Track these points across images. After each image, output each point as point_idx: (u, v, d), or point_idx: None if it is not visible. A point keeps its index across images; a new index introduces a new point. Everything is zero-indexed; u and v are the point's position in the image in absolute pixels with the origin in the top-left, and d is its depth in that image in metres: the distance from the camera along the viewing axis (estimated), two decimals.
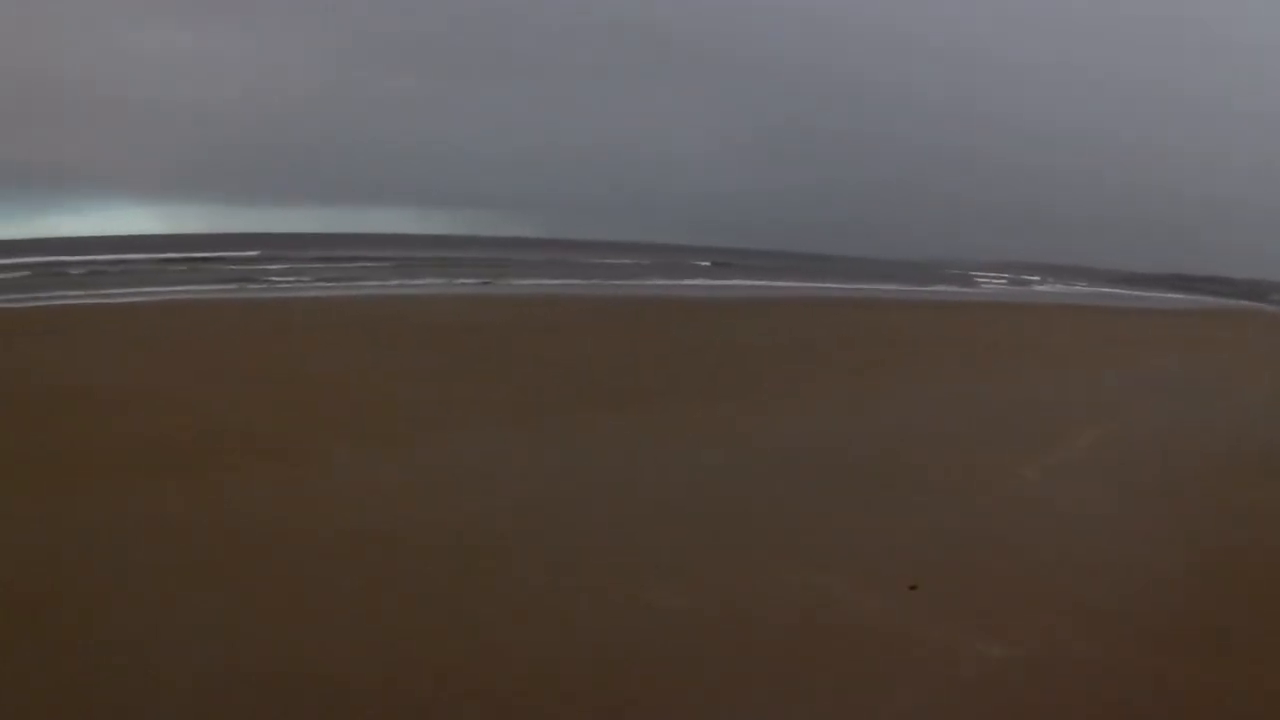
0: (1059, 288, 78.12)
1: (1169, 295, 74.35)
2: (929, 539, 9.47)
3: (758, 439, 13.72)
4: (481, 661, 6.58)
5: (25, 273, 42.34)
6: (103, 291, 33.76)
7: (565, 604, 7.54)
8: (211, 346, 20.52)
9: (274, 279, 43.04)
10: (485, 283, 45.33)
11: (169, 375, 16.55)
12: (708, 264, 74.84)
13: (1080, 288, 79.87)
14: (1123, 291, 77.68)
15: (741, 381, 18.99)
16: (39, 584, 7.59)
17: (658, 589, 7.81)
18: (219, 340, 21.78)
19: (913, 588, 7.96)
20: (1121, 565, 9.07)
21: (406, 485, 10.70)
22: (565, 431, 13.68)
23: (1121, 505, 11.34)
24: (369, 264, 56.58)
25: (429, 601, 7.52)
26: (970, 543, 9.52)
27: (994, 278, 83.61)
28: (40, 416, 13.28)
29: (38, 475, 10.43)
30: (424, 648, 6.72)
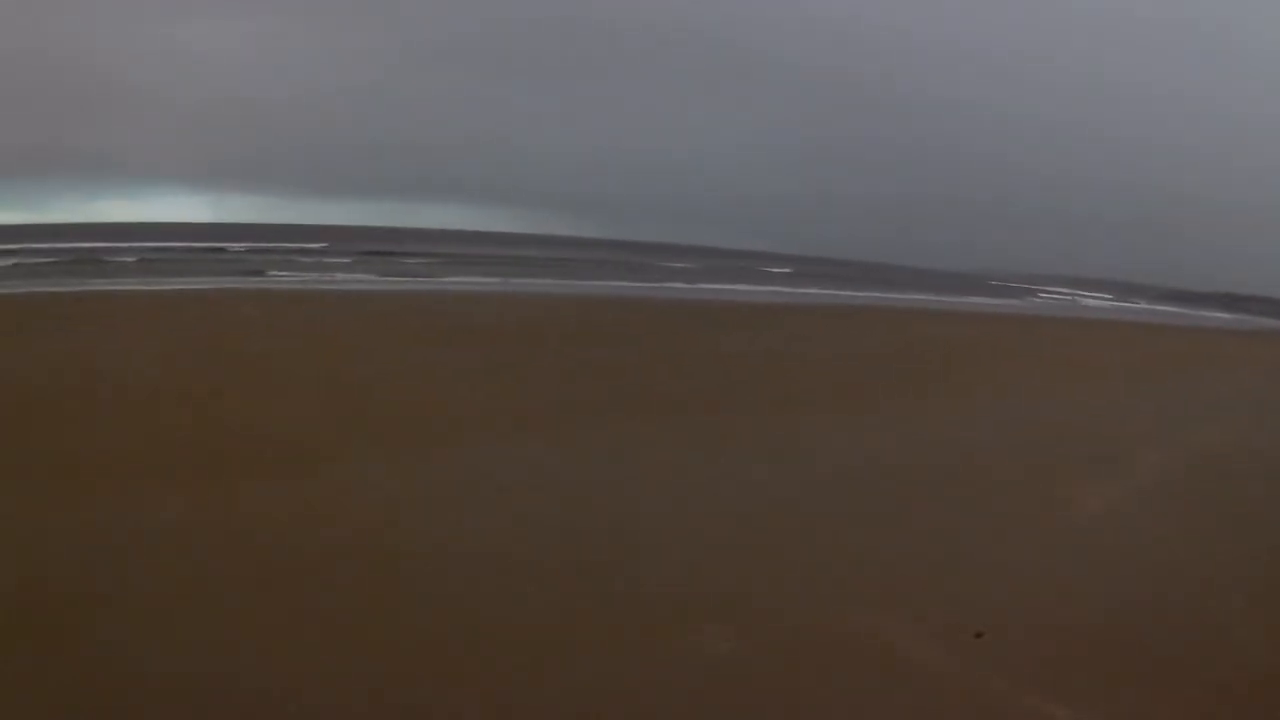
0: (1108, 302, 76.91)
1: (1218, 314, 72.99)
2: (991, 578, 9.07)
3: (808, 456, 13.36)
4: (505, 695, 6.30)
5: (66, 258, 42.56)
6: (142, 281, 33.88)
7: (597, 639, 7.22)
8: (243, 343, 20.23)
9: (316, 272, 43.09)
10: (530, 282, 45.18)
11: (198, 372, 16.30)
12: (781, 270, 74.27)
13: (1129, 303, 78.61)
14: (1172, 309, 76.40)
15: (790, 393, 18.50)
16: (56, 586, 7.43)
17: (700, 628, 7.44)
18: (251, 336, 21.53)
19: (979, 635, 7.52)
20: (1193, 614, 8.62)
21: (426, 498, 10.40)
22: (604, 443, 13.33)
23: (1188, 543, 10.84)
24: (418, 259, 56.56)
25: (450, 631, 7.21)
26: (1035, 584, 9.09)
27: (1043, 291, 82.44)
28: (66, 411, 13.11)
29: (56, 475, 10.27)
30: (444, 678, 6.44)
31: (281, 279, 38.47)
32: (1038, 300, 70.68)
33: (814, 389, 19.13)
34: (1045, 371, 25.19)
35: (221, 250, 51.95)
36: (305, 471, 10.99)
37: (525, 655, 6.88)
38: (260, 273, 41.08)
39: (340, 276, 41.82)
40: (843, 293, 56.16)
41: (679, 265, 71.02)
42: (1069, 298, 79.05)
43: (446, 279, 43.34)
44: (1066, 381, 23.52)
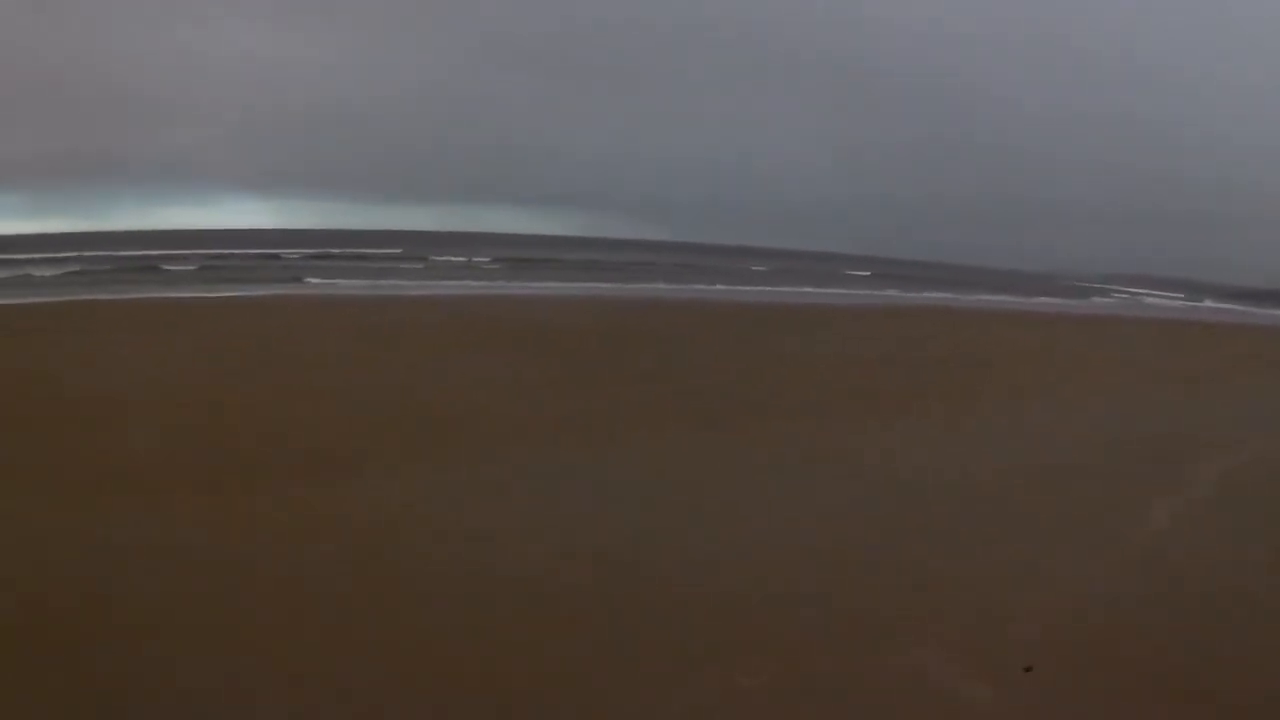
0: (1172, 301, 75.26)
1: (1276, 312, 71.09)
2: (1043, 604, 8.65)
3: (869, 466, 13.09)
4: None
5: (127, 265, 43.12)
6: (200, 288, 34.17)
7: (641, 673, 6.97)
8: (298, 350, 20.31)
9: (374, 278, 43.24)
10: (591, 286, 45.04)
11: (249, 377, 16.43)
12: (842, 270, 73.53)
13: (1194, 302, 76.83)
14: (1238, 307, 74.58)
15: (845, 398, 18.16)
16: (75, 592, 7.41)
17: (743, 664, 7.14)
18: (306, 342, 21.62)
19: (1028, 669, 7.19)
20: (1259, 652, 8.11)
21: (467, 511, 10.26)
22: (657, 453, 13.09)
23: (1255, 569, 10.26)
24: (476, 264, 56.72)
25: (481, 655, 7.02)
26: (1093, 612, 8.64)
27: (1105, 290, 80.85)
28: (124, 414, 13.31)
29: (100, 480, 10.34)
30: (469, 694, 6.28)
31: (338, 285, 38.61)
32: (1100, 300, 69.33)
33: (869, 395, 18.75)
34: (1107, 375, 24.49)
35: (278, 257, 52.39)
36: (354, 475, 11.02)
37: (555, 680, 6.69)
38: (316, 279, 41.30)
39: (397, 282, 41.91)
40: (899, 293, 55.44)
41: (738, 267, 70.60)
42: (1132, 296, 77.54)
43: (505, 283, 43.31)
44: (1129, 386, 22.84)
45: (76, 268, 41.15)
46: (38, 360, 17.42)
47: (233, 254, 52.67)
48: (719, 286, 50.16)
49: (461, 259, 57.84)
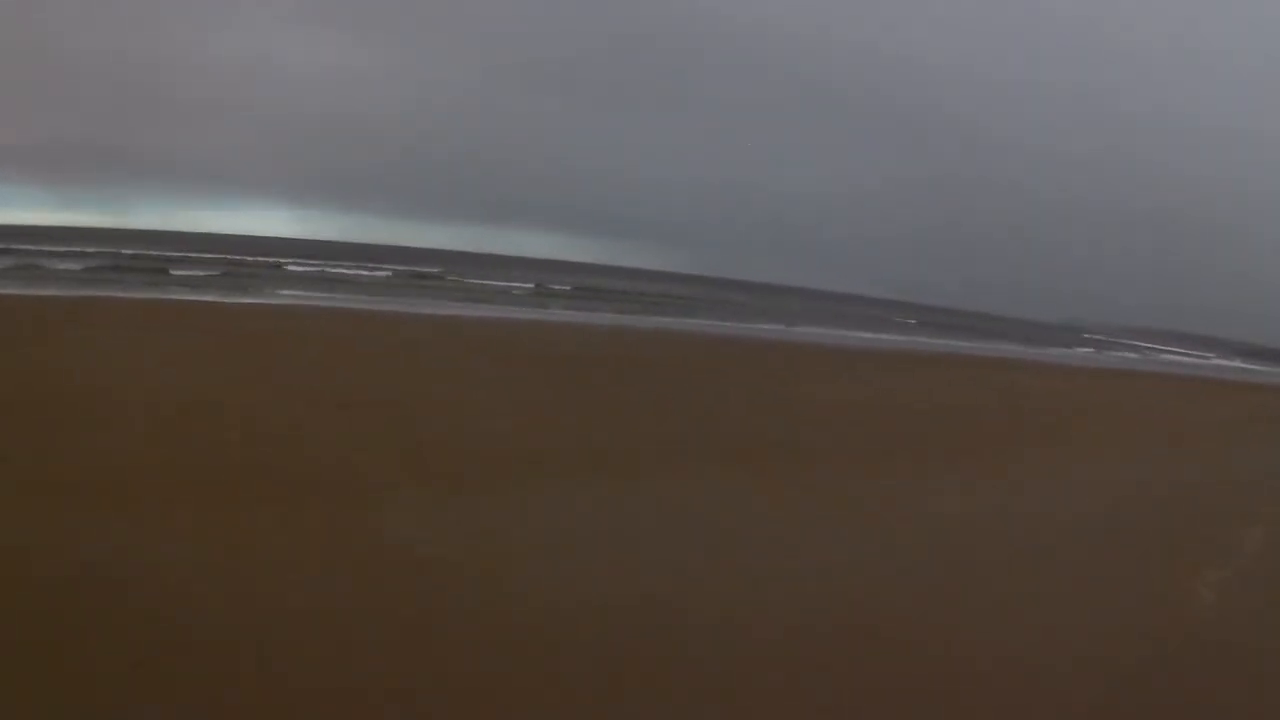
0: (1186, 358, 74.38)
1: None
2: (1079, 676, 7.80)
3: (897, 516, 12.21)
4: None
5: (141, 265, 42.71)
6: (212, 293, 33.77)
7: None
8: (298, 363, 19.65)
9: (387, 293, 42.79)
10: (619, 314, 44.53)
11: (257, 392, 15.68)
12: (877, 315, 72.81)
13: (1206, 358, 75.93)
14: (1251, 366, 73.68)
15: (882, 445, 17.28)
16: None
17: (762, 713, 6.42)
18: (307, 355, 20.95)
19: None
20: None
21: (472, 542, 9.47)
22: (683, 492, 12.20)
23: None
24: (491, 285, 56.16)
25: (490, 690, 6.35)
26: (1129, 686, 7.79)
27: (1123, 344, 79.91)
28: (110, 417, 12.56)
29: (75, 488, 9.59)
30: None
31: (349, 300, 38.21)
32: (1111, 353, 68.42)
33: (895, 446, 17.50)
34: (1133, 432, 23.70)
35: (289, 266, 51.98)
36: (354, 497, 10.23)
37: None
38: (328, 291, 40.92)
39: (410, 300, 41.47)
40: (928, 340, 54.75)
41: (769, 304, 69.98)
42: (1152, 352, 76.67)
43: (524, 309, 42.74)
44: (1156, 444, 22.07)
45: (84, 264, 40.82)
46: (36, 355, 16.84)
47: (243, 260, 52.41)
48: (746, 324, 49.56)
49: (478, 281, 57.21)
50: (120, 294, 30.69)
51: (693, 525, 10.87)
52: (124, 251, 47.07)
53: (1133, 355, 69.29)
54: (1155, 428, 25.10)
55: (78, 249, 45.75)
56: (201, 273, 42.43)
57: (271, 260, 53.68)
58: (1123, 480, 16.65)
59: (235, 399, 14.77)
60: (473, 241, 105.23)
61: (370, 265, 58.26)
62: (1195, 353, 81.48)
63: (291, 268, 50.83)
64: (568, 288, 60.73)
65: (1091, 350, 67.30)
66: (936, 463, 16.03)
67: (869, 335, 54.13)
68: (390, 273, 55.60)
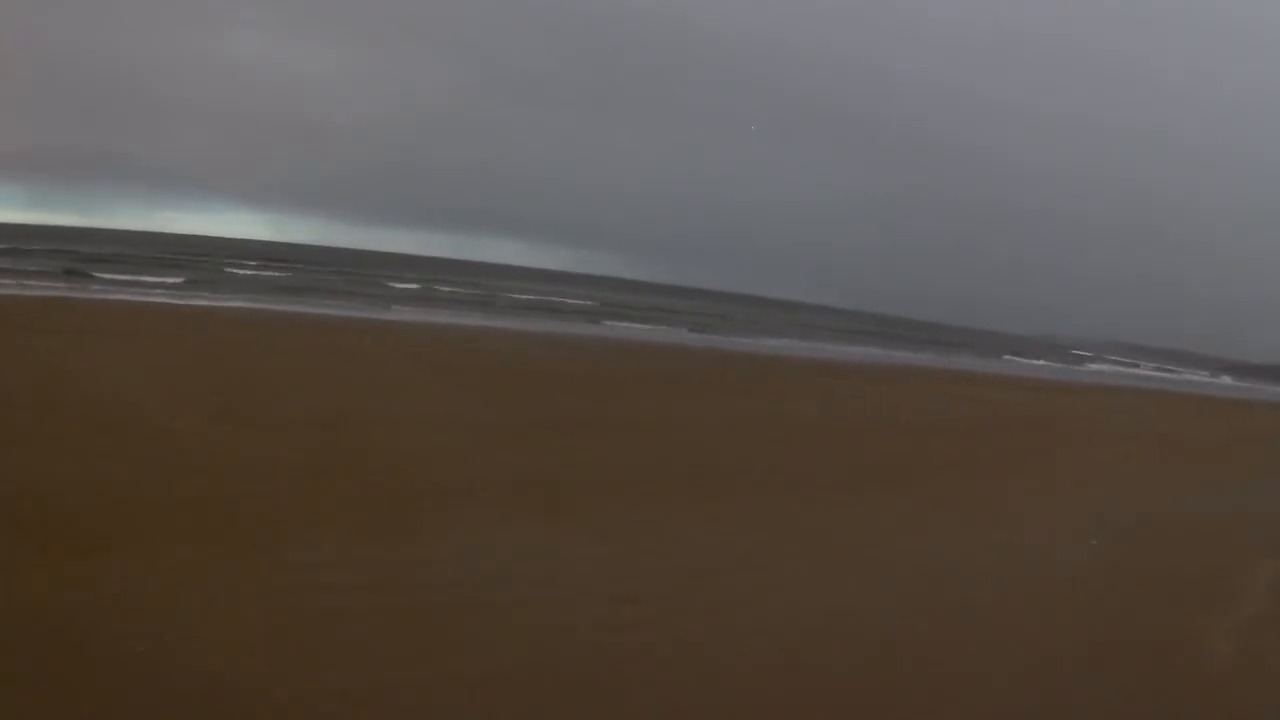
0: (1173, 374, 73.65)
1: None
2: None
3: (881, 547, 11.06)
4: None
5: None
6: (186, 295, 32.52)
7: None
8: (269, 370, 18.43)
9: (361, 300, 41.57)
10: (581, 324, 43.46)
11: (173, 405, 14.29)
12: (832, 325, 71.76)
13: (1185, 374, 75.21)
14: (1240, 384, 73.10)
15: (861, 468, 15.93)
16: None
17: None
18: (278, 362, 19.69)
19: None
20: None
21: (408, 576, 8.28)
22: (644, 525, 10.93)
23: None
24: (467, 292, 54.90)
25: None
26: None
27: (1107, 359, 79.11)
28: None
29: None
30: None
31: (328, 305, 37.12)
32: (1105, 370, 67.59)
33: (877, 471, 16.02)
34: (1126, 452, 22.42)
35: (270, 270, 50.66)
36: (260, 543, 8.84)
37: None
38: (309, 297, 39.82)
39: (389, 307, 40.38)
40: (900, 354, 53.74)
41: (740, 316, 68.93)
42: (1136, 368, 75.97)
43: (493, 319, 41.35)
44: (1151, 466, 20.82)
45: (39, 265, 39.43)
46: None
47: (212, 260, 51.15)
48: (717, 336, 48.37)
49: (449, 289, 55.71)
50: (85, 295, 29.69)
51: (653, 563, 9.66)
52: (92, 251, 45.96)
53: (1116, 370, 68.53)
54: (1152, 450, 23.89)
55: (38, 248, 44.52)
56: (178, 280, 40.90)
57: (211, 260, 52.32)
58: (1123, 510, 15.30)
59: (153, 412, 13.46)
60: (434, 247, 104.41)
61: (315, 268, 56.97)
62: (1181, 369, 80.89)
63: (230, 269, 49.19)
64: (529, 296, 59.36)
65: (1077, 366, 66.47)
66: (921, 490, 14.74)
67: (847, 349, 53.07)
68: (339, 276, 54.08)
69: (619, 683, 6.96)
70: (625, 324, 48.22)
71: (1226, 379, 75.81)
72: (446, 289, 55.07)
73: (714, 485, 13.30)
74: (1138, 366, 75.26)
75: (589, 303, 60.56)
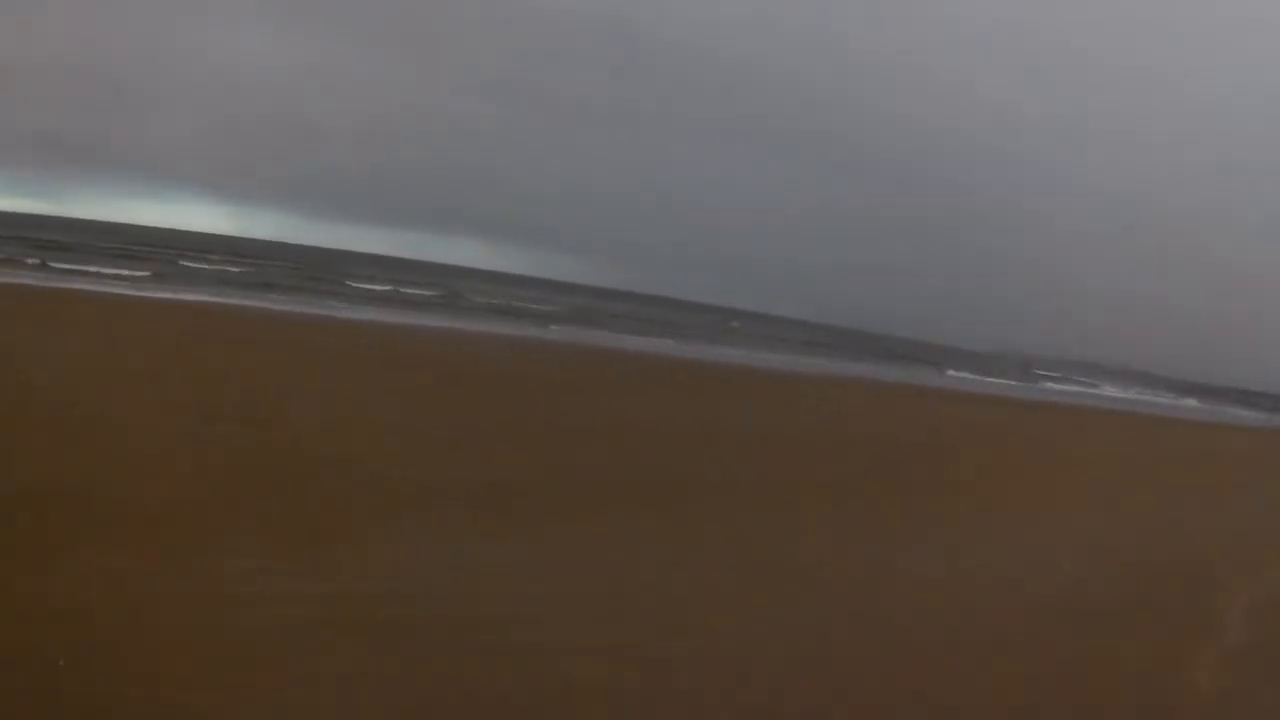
0: (1139, 396, 74.06)
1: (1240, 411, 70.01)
2: None
3: (856, 583, 10.44)
4: None
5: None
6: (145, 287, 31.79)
7: None
8: (226, 364, 17.80)
9: (323, 297, 40.86)
10: (539, 328, 43.01)
11: (115, 398, 13.70)
12: (802, 338, 71.47)
13: (1150, 396, 75.65)
14: (1206, 405, 73.61)
15: (829, 488, 15.32)
16: None
17: None
18: (235, 357, 19.03)
19: None
20: None
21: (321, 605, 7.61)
22: (598, 540, 10.46)
23: None
24: (430, 294, 54.15)
25: None
26: None
27: (1075, 380, 79.44)
28: None
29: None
30: None
31: (289, 302, 36.41)
32: (1060, 389, 67.70)
33: (848, 488, 15.57)
34: (1106, 476, 21.99)
35: (232, 265, 49.71)
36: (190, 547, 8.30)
37: None
38: (270, 293, 39.11)
39: (351, 306, 39.69)
40: (849, 364, 53.53)
41: (706, 324, 68.54)
42: (1100, 388, 76.28)
43: (456, 321, 40.68)
44: (1130, 490, 20.43)
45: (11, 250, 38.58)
46: None
47: (172, 253, 50.20)
48: (681, 344, 47.98)
49: (412, 290, 54.85)
50: (38, 283, 28.97)
51: (610, 575, 9.25)
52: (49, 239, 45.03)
53: (1079, 390, 68.75)
54: (1126, 473, 23.59)
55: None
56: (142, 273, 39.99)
57: (171, 253, 51.30)
58: (1093, 535, 14.95)
59: (93, 407, 12.92)
60: (399, 246, 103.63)
61: (277, 264, 56.02)
62: (1148, 391, 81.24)
63: (190, 263, 48.19)
64: (493, 299, 58.62)
65: (1041, 384, 66.63)
66: (881, 510, 14.30)
67: (809, 360, 52.84)
68: (301, 273, 53.14)
69: (570, 709, 6.54)
70: (588, 330, 47.68)
71: (1192, 401, 76.22)
72: (410, 289, 54.30)
73: (672, 496, 12.86)
74: (1097, 387, 75.60)
75: (552, 307, 60.01)
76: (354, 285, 50.42)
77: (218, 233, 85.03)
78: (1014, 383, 62.67)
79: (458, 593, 8.23)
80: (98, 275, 36.16)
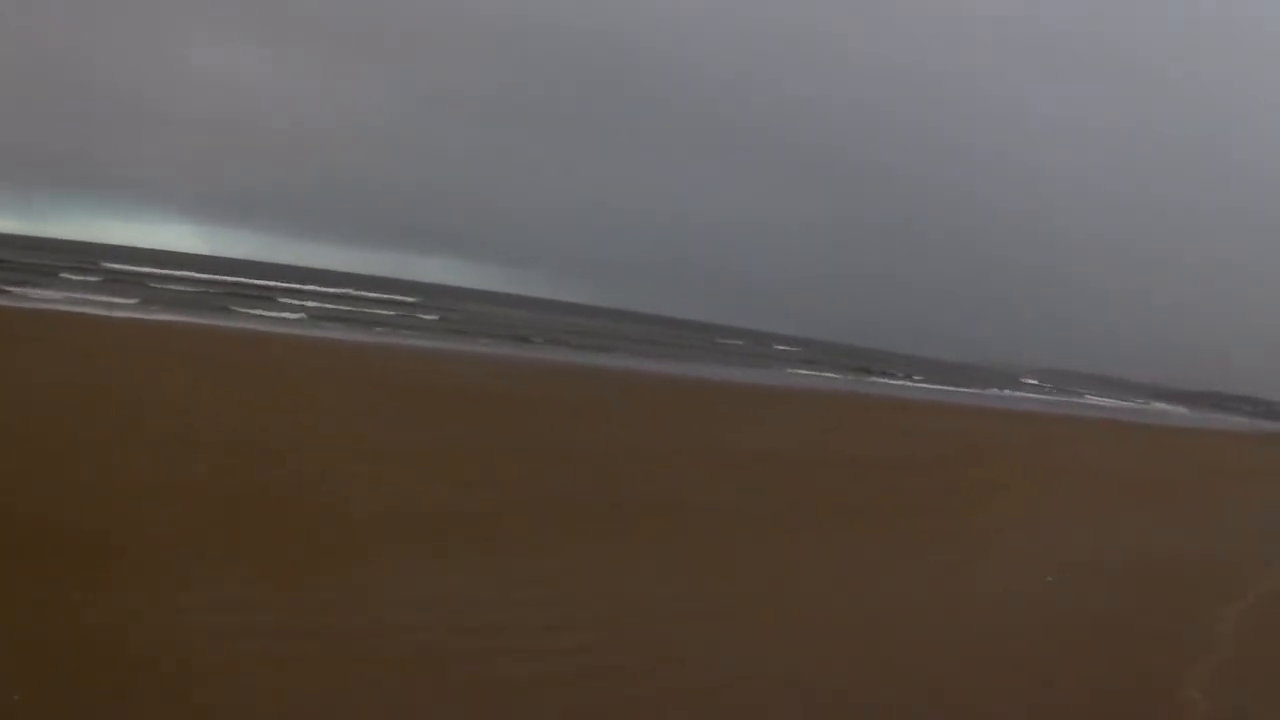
0: (1122, 403, 73.95)
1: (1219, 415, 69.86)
2: None
3: (843, 604, 10.06)
4: None
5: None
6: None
7: None
8: (187, 382, 17.25)
9: (290, 313, 40.30)
10: (515, 346, 42.50)
11: (71, 417, 13.13)
12: (791, 350, 70.91)
13: (1126, 403, 75.56)
14: (1187, 410, 73.55)
15: (813, 508, 14.88)
16: None
17: None
18: (198, 375, 18.50)
19: None
20: None
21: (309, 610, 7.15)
22: (573, 564, 10.04)
23: None
24: (397, 313, 53.54)
25: None
26: None
27: (1062, 388, 79.26)
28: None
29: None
30: None
31: (252, 320, 35.83)
32: (1056, 399, 67.56)
33: (833, 506, 15.19)
34: (1090, 488, 21.50)
35: (194, 285, 49.08)
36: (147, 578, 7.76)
37: None
38: (233, 311, 38.55)
39: (317, 324, 39.14)
40: (830, 377, 53.12)
41: (688, 341, 68.12)
42: (1081, 395, 76.20)
43: (424, 340, 40.06)
44: (1113, 501, 19.91)
45: None
46: None
47: (135, 270, 49.67)
48: (660, 361, 47.46)
49: (390, 311, 54.15)
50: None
51: (589, 602, 8.82)
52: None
53: (1059, 399, 68.57)
54: (1113, 482, 23.16)
55: None
56: (91, 278, 39.30)
57: (135, 270, 50.69)
58: (1078, 548, 14.53)
59: (52, 428, 12.52)
60: (366, 263, 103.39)
61: (241, 280, 55.43)
62: (1132, 398, 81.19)
63: (154, 283, 47.48)
64: (469, 318, 57.91)
65: (1020, 393, 66.41)
66: (865, 528, 13.93)
67: (790, 375, 52.42)
68: (264, 290, 52.54)
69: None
70: (561, 347, 47.06)
71: (1177, 408, 76.16)
72: (376, 308, 53.74)
73: (652, 518, 12.44)
74: (1082, 396, 75.49)
75: (521, 324, 59.50)
76: (317, 305, 49.71)
77: (187, 251, 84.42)
78: (1001, 392, 62.46)
79: (429, 622, 7.82)
80: (62, 294, 35.58)
